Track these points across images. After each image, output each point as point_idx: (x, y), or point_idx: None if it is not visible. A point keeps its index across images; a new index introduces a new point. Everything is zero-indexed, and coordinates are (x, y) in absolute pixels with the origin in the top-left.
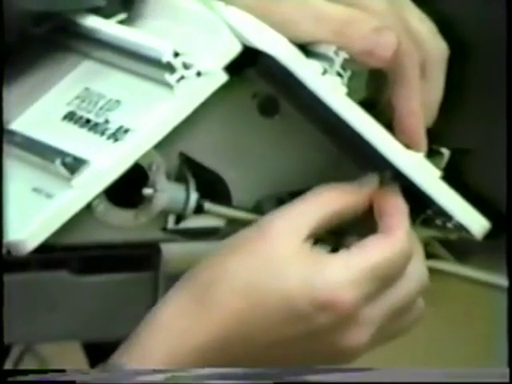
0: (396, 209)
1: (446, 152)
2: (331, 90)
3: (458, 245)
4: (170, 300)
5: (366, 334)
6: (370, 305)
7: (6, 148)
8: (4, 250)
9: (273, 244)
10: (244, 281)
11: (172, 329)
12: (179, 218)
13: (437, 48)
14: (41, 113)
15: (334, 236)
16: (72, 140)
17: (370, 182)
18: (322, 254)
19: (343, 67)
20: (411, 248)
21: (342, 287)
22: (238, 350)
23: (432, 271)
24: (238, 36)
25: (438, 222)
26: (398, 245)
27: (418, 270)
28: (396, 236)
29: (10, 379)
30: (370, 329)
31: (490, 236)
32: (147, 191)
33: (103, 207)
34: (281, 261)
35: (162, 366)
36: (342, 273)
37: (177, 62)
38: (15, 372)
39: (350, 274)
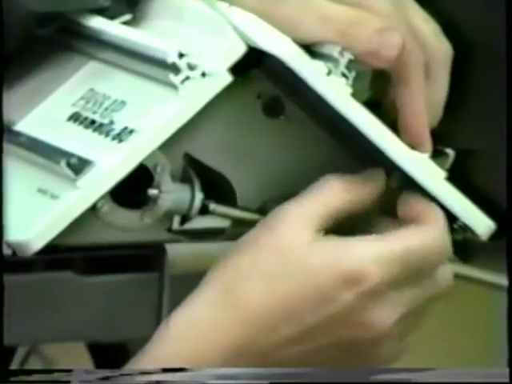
0: (432, 205)
1: (450, 153)
2: (336, 90)
3: (461, 245)
4: (189, 305)
5: (392, 315)
6: (398, 290)
7: (12, 149)
8: (9, 251)
9: (285, 236)
10: (263, 277)
11: (194, 332)
12: (184, 219)
13: (441, 48)
14: (46, 114)
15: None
16: (77, 141)
17: (378, 178)
18: (342, 238)
19: (348, 68)
20: (448, 246)
21: (368, 263)
22: (265, 347)
23: None
24: (243, 37)
25: None
26: (438, 235)
27: (448, 273)
28: (436, 226)
29: (12, 379)
30: (396, 312)
31: (495, 237)
32: (152, 192)
33: (108, 208)
34: (298, 250)
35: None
36: (369, 251)
37: (182, 63)
38: (18, 372)
39: (380, 253)
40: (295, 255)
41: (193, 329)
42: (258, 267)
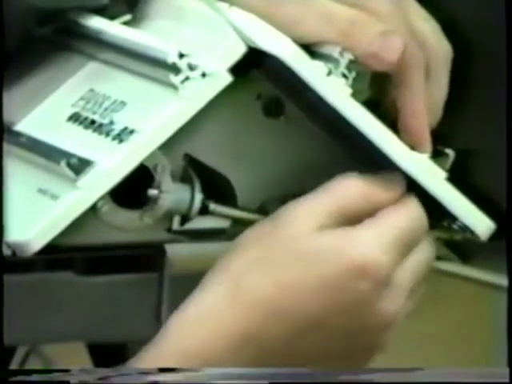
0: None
1: (450, 153)
2: (336, 91)
3: (461, 245)
4: (195, 299)
5: (401, 298)
6: (400, 268)
7: (12, 149)
8: (9, 251)
9: (291, 227)
10: (270, 267)
11: (201, 326)
12: (184, 219)
13: (441, 49)
14: (46, 114)
15: None
16: (77, 141)
17: (397, 185)
18: (347, 227)
19: (348, 68)
20: (425, 219)
21: (375, 252)
22: (272, 338)
23: (435, 272)
24: (243, 37)
25: (443, 222)
26: (418, 210)
27: (430, 240)
28: (412, 203)
29: (12, 379)
30: (403, 292)
31: (494, 237)
32: (152, 192)
33: (108, 208)
34: (302, 239)
35: (192, 364)
36: (374, 239)
37: (182, 63)
38: (18, 372)
39: (381, 239)
40: (300, 244)
41: (200, 323)
42: (264, 258)
